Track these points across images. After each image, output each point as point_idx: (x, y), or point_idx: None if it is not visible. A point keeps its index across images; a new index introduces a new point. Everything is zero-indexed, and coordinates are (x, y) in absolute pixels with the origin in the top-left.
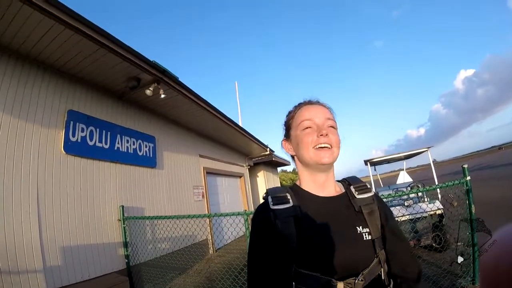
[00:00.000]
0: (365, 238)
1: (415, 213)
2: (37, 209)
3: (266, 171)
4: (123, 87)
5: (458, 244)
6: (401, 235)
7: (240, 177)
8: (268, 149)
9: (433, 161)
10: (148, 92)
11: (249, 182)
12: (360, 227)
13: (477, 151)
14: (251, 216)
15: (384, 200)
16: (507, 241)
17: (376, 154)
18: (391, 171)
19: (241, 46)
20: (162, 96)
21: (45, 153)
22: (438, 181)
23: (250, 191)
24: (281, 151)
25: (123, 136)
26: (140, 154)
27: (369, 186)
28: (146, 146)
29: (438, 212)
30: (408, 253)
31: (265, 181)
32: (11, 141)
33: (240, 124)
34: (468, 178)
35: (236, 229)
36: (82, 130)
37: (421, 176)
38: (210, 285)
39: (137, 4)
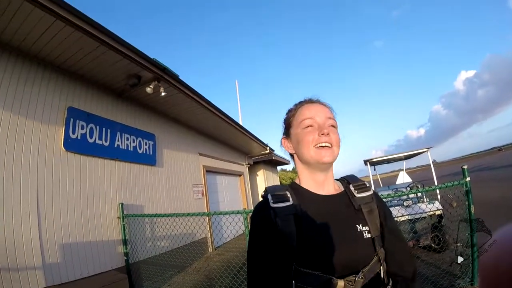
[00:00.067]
0: (365, 236)
1: (415, 214)
2: (36, 206)
3: (266, 170)
4: (123, 85)
5: (458, 244)
6: (399, 234)
7: (240, 175)
8: (268, 148)
9: (432, 162)
10: (148, 89)
11: (248, 181)
12: (360, 225)
13: (477, 152)
14: (250, 214)
15: (384, 200)
16: (507, 241)
17: (376, 154)
18: (391, 171)
19: (241, 45)
20: (163, 94)
21: (45, 150)
22: (437, 182)
23: (249, 190)
24: (280, 150)
25: (123, 134)
26: (140, 151)
27: (368, 185)
28: (146, 144)
29: (438, 212)
30: (406, 252)
31: (264, 180)
32: (11, 138)
33: (240, 123)
34: (468, 179)
35: (235, 228)
36: (82, 127)
37: (420, 177)
38: (209, 283)
39: (137, 4)
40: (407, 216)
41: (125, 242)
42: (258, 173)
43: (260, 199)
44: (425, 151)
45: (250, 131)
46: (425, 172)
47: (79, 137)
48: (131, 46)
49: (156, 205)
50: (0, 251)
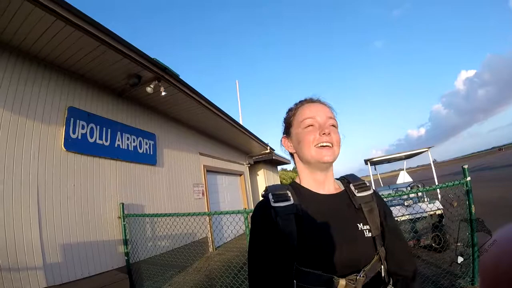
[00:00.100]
0: (366, 235)
1: (415, 213)
2: (37, 206)
3: (266, 170)
4: (123, 84)
5: (458, 244)
6: (399, 234)
7: (240, 175)
8: (268, 148)
9: (433, 161)
10: (148, 89)
11: (249, 180)
12: (361, 224)
13: (478, 151)
14: (251, 214)
15: (384, 199)
16: (507, 241)
17: (376, 153)
18: (392, 171)
19: (242, 45)
20: (163, 93)
21: (46, 150)
22: (438, 181)
23: (250, 190)
24: (281, 150)
25: (124, 134)
26: (141, 151)
27: (368, 184)
28: (146, 144)
29: (438, 212)
30: (406, 252)
31: (265, 180)
32: (11, 138)
33: (241, 122)
34: (468, 178)
35: (236, 228)
36: (83, 127)
37: (421, 176)
38: (209, 283)
39: (137, 4)
40: (407, 216)
41: (125, 242)
42: (258, 172)
43: (261, 198)
44: (426, 151)
45: (251, 130)
46: (425, 172)
47: (79, 137)
48: (131, 46)
49: (157, 205)
50: (0, 251)
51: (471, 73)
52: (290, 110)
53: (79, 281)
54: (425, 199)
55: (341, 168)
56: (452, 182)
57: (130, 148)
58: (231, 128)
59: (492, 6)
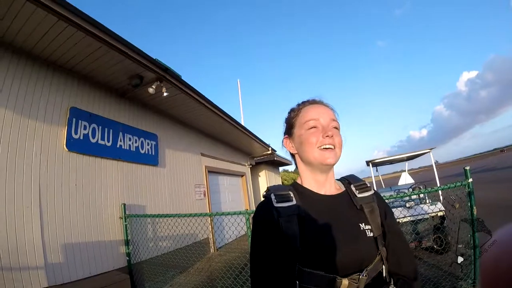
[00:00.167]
0: (367, 235)
1: (417, 215)
2: (39, 206)
3: (267, 171)
4: (125, 85)
5: (459, 246)
6: (400, 234)
7: (242, 176)
8: (270, 149)
9: (435, 163)
10: (150, 90)
11: (250, 181)
12: (363, 224)
13: (480, 153)
14: (252, 215)
15: (386, 201)
16: (507, 241)
17: (378, 154)
18: (393, 172)
19: (243, 45)
20: (165, 94)
21: (48, 150)
22: (440, 183)
23: (251, 191)
24: (282, 150)
25: (125, 134)
26: (142, 152)
27: (369, 185)
28: (148, 144)
29: (440, 214)
30: (407, 252)
31: (266, 181)
32: (14, 138)
33: (242, 123)
34: (470, 180)
35: (237, 228)
36: (85, 128)
37: (423, 178)
38: (211, 284)
39: (137, 4)
40: (409, 217)
41: (127, 242)
42: (260, 173)
43: (262, 199)
44: (428, 152)
45: (252, 131)
46: (427, 173)
47: (81, 137)
48: (133, 47)
49: (158, 206)
50: (2, 251)
51: (473, 74)
52: (292, 110)
53: (80, 281)
54: (427, 201)
55: (341, 168)
56: (454, 183)
57: (132, 149)
58: (233, 129)
59: (493, 6)
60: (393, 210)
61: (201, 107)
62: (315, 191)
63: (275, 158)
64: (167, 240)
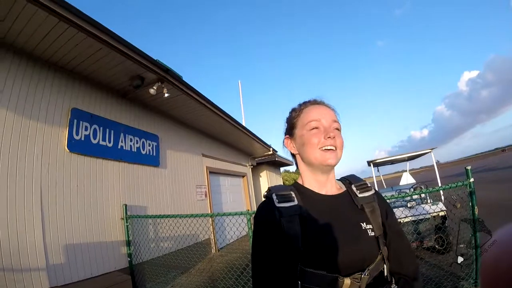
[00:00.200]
0: (369, 234)
1: (418, 215)
2: (40, 207)
3: (269, 171)
4: (126, 86)
5: (460, 246)
6: (401, 233)
7: (243, 176)
8: (271, 149)
9: (436, 163)
10: (152, 91)
11: (252, 182)
12: (364, 223)
13: (481, 153)
14: (253, 216)
15: (387, 201)
16: (507, 241)
17: (379, 155)
18: (395, 172)
19: (243, 45)
20: (166, 95)
21: (49, 151)
22: (441, 183)
23: (253, 191)
24: (283, 150)
25: (127, 135)
26: (144, 152)
27: (369, 185)
28: (149, 145)
29: (441, 213)
30: (408, 251)
31: (268, 181)
32: (15, 139)
33: (243, 124)
34: (472, 180)
35: (238, 229)
36: (86, 129)
37: (424, 178)
38: (212, 285)
39: (137, 5)
40: (410, 217)
41: (128, 243)
42: (261, 174)
43: (263, 199)
44: (429, 152)
45: (253, 131)
46: (428, 173)
47: (82, 138)
48: (134, 47)
49: (160, 206)
50: (4, 252)
51: (474, 73)
52: (293, 110)
53: (82, 282)
54: (428, 201)
55: (342, 169)
56: (455, 183)
57: (133, 149)
58: (234, 130)
59: (493, 6)
60: (395, 210)
61: (202, 107)
62: (316, 191)
63: (276, 159)
64: (169, 241)
